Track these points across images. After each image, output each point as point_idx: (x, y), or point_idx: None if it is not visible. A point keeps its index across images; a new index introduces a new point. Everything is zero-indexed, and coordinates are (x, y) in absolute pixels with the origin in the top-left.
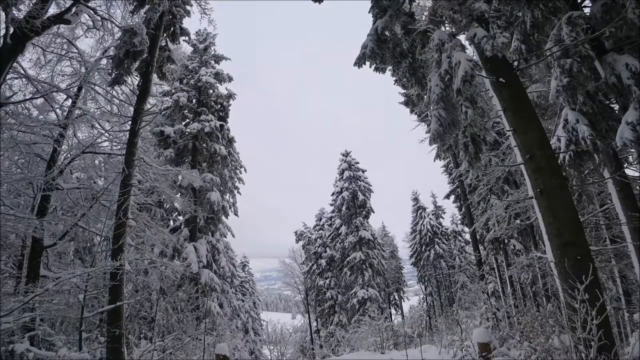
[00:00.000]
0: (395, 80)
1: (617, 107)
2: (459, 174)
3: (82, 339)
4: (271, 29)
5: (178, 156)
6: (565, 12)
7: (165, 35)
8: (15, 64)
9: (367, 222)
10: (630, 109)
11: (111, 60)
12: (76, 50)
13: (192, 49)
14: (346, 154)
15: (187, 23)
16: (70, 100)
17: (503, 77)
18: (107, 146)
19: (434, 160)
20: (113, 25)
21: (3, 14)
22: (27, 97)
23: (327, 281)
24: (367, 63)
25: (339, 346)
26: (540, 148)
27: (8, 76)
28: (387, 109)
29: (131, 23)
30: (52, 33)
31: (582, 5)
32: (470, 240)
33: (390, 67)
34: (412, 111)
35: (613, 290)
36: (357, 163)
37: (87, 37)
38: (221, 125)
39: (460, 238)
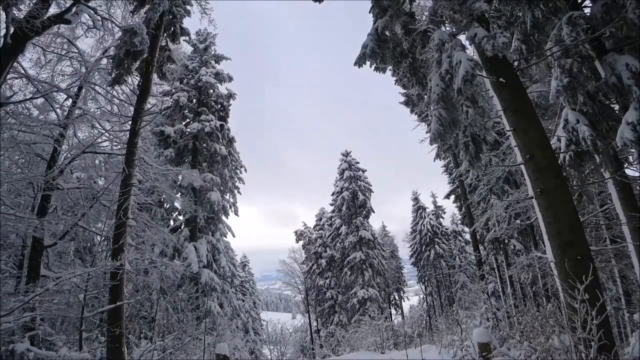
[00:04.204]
0: (396, 80)
1: (618, 107)
2: (459, 174)
3: (82, 338)
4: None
5: (178, 156)
6: (566, 12)
7: (165, 35)
8: (15, 64)
9: (367, 222)
10: (631, 109)
11: (111, 60)
12: (76, 50)
13: (192, 48)
14: (346, 154)
15: (187, 23)
16: (70, 100)
17: (503, 77)
18: (107, 146)
19: (434, 160)
20: (113, 25)
21: (3, 13)
22: (28, 97)
23: (327, 281)
24: (368, 63)
25: (339, 346)
26: (540, 148)
27: (8, 76)
28: (387, 108)
29: (131, 23)
30: (53, 33)
31: (583, 5)
32: (470, 240)
33: (390, 67)
34: (412, 111)
35: (613, 290)
36: (357, 163)
37: (87, 37)
38: (221, 125)
39: (460, 238)
